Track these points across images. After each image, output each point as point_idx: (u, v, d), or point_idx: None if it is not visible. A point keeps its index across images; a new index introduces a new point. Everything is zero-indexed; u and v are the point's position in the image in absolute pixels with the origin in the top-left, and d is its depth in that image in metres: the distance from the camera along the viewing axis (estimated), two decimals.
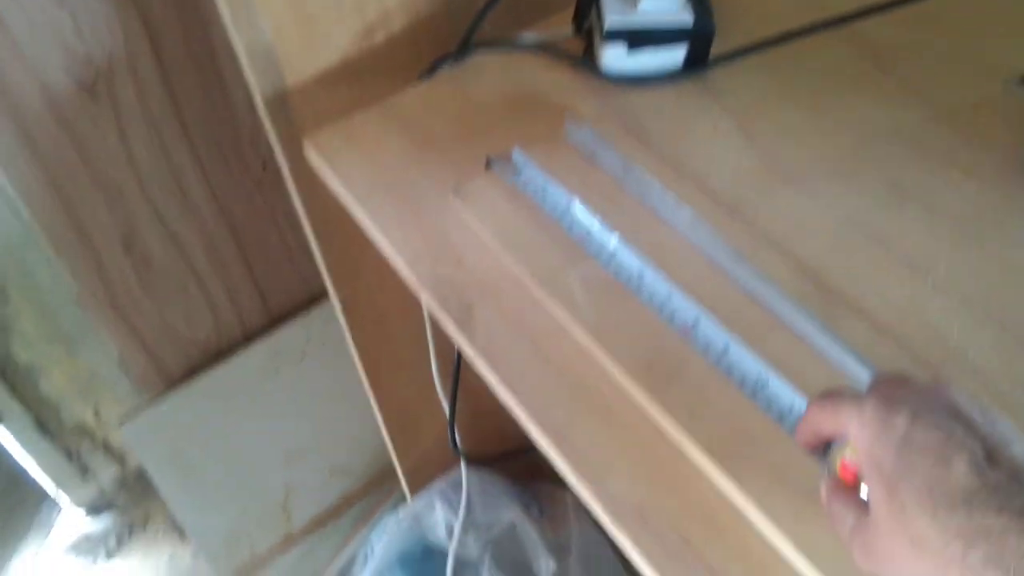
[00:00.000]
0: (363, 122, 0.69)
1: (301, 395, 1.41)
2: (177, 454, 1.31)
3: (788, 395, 0.48)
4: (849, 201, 0.60)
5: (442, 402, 1.04)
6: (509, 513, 1.17)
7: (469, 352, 0.55)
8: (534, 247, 0.58)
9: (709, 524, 0.47)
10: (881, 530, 0.34)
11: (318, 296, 1.36)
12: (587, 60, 0.71)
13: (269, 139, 0.73)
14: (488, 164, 0.63)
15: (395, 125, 0.69)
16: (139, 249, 1.10)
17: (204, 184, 1.10)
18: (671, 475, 0.49)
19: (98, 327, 1.17)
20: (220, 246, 1.19)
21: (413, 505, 1.22)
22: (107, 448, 1.57)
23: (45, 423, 1.44)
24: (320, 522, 1.54)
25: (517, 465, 1.22)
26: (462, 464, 1.14)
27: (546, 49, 0.72)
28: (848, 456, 0.39)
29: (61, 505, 1.67)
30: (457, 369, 0.97)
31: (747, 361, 0.50)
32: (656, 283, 0.54)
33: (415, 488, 1.27)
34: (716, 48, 0.69)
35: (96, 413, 1.48)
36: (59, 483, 1.59)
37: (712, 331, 0.52)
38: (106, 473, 1.62)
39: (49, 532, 1.66)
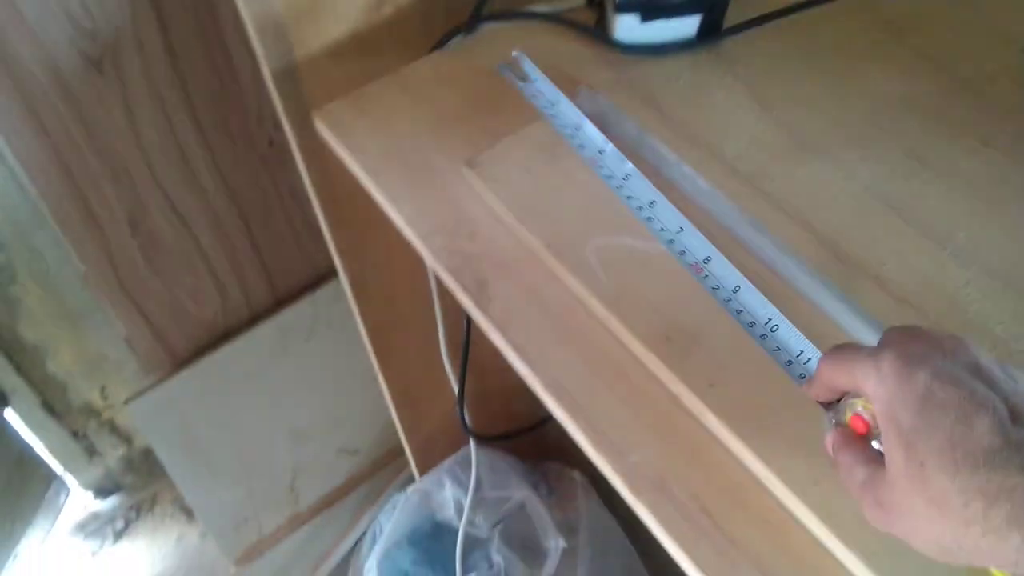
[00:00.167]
0: (373, 94, 0.69)
1: (308, 374, 1.41)
2: (184, 433, 1.31)
3: (797, 340, 0.47)
4: (866, 170, 0.60)
5: (451, 380, 1.03)
6: (518, 491, 1.17)
7: (485, 326, 0.55)
8: (549, 218, 0.57)
9: (729, 494, 0.46)
10: (897, 487, 0.33)
11: (324, 275, 1.36)
12: (599, 30, 0.70)
13: (277, 114, 0.72)
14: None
15: (406, 97, 0.68)
16: (146, 228, 1.10)
17: (210, 162, 1.10)
18: (690, 446, 0.48)
19: (105, 307, 1.17)
20: (226, 225, 1.18)
21: (422, 483, 1.22)
22: (114, 429, 1.57)
23: (52, 403, 1.44)
24: (328, 502, 1.55)
25: (525, 443, 1.22)
26: (471, 442, 1.14)
27: (558, 20, 0.71)
28: (861, 408, 0.38)
29: (69, 487, 1.67)
30: (466, 347, 0.97)
31: (756, 303, 0.49)
32: (667, 215, 0.53)
33: (423, 467, 1.27)
34: (729, 17, 0.68)
35: (103, 393, 1.48)
36: (66, 464, 1.60)
37: (723, 270, 0.51)
38: (113, 454, 1.62)
39: (57, 514, 1.67)
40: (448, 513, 1.19)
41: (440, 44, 0.72)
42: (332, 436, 1.51)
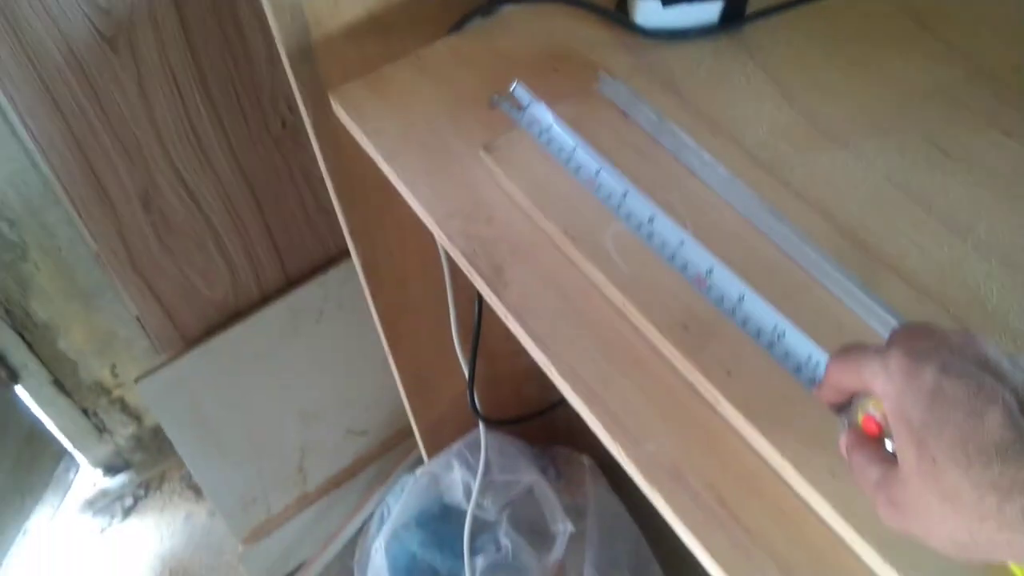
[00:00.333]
0: (390, 76, 0.68)
1: (318, 355, 1.41)
2: (194, 412, 1.32)
3: (805, 346, 0.47)
4: (888, 159, 0.59)
5: (461, 363, 1.03)
6: (527, 475, 1.17)
7: (501, 311, 0.54)
8: (566, 204, 0.57)
9: (744, 484, 0.46)
10: (910, 485, 0.33)
11: (335, 256, 1.36)
12: (620, 14, 0.69)
13: (291, 94, 0.72)
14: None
15: (423, 79, 0.68)
16: (158, 207, 1.10)
17: (223, 141, 1.09)
18: (706, 434, 0.48)
19: (116, 285, 1.17)
20: (238, 204, 1.18)
21: (431, 465, 1.23)
22: (124, 407, 1.57)
23: (62, 381, 1.45)
24: (336, 482, 1.55)
25: (534, 427, 1.22)
26: (480, 426, 1.14)
27: (578, 3, 0.71)
28: (872, 408, 0.38)
29: (78, 464, 1.68)
30: (477, 330, 0.97)
31: (762, 312, 0.49)
32: (667, 230, 0.53)
33: (431, 449, 1.27)
34: (752, 4, 0.68)
35: (113, 371, 1.49)
36: (75, 441, 1.60)
37: (726, 281, 0.51)
38: (122, 432, 1.63)
39: (67, 490, 1.68)
40: (456, 496, 1.19)
41: (458, 26, 0.71)
42: (341, 417, 1.51)
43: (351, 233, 0.86)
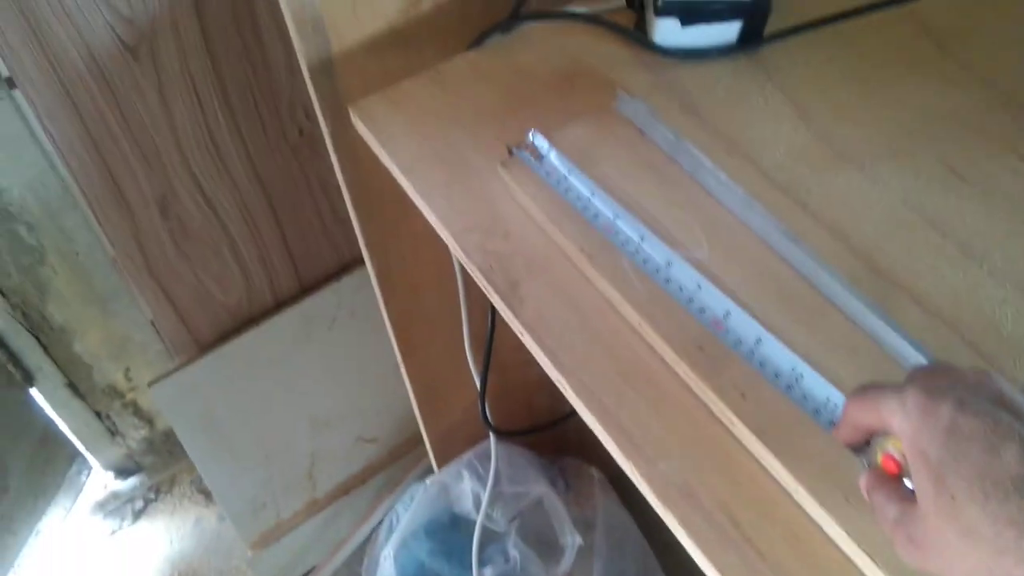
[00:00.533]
0: (410, 90, 0.69)
1: (330, 362, 1.41)
2: (206, 417, 1.32)
3: (824, 389, 0.48)
4: (904, 183, 0.59)
5: (472, 373, 1.04)
6: (536, 487, 1.17)
7: (516, 327, 0.55)
8: (583, 222, 0.57)
9: (758, 506, 0.46)
10: (928, 522, 0.34)
11: (349, 264, 1.37)
12: (638, 33, 0.70)
13: (312, 106, 0.72)
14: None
15: (442, 94, 0.68)
16: (175, 213, 1.11)
17: (241, 149, 1.10)
18: (720, 455, 0.48)
19: (132, 290, 1.18)
20: (255, 212, 1.19)
21: (441, 475, 1.23)
22: (137, 410, 1.58)
23: (76, 383, 1.46)
24: (345, 489, 1.55)
25: (543, 439, 1.22)
26: (491, 436, 1.14)
27: (597, 21, 0.71)
28: (891, 447, 0.38)
29: (90, 466, 1.69)
30: (490, 341, 0.97)
31: (780, 354, 0.49)
32: (684, 275, 0.53)
33: (441, 458, 1.27)
34: (771, 25, 0.68)
35: (127, 375, 1.50)
36: (88, 444, 1.61)
37: (743, 323, 0.51)
38: (135, 435, 1.64)
39: (79, 492, 1.69)
40: (466, 506, 1.19)
41: (478, 42, 0.72)
42: (352, 424, 1.52)
43: (367, 243, 0.86)
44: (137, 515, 1.69)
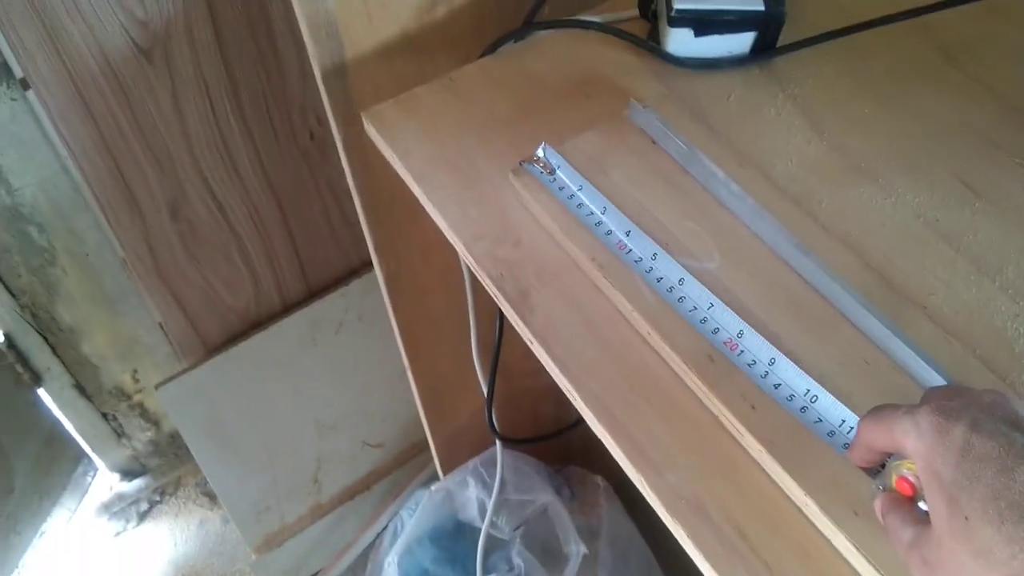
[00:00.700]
0: (422, 97, 0.69)
1: (337, 367, 1.42)
2: (212, 419, 1.33)
3: (838, 411, 0.47)
4: (918, 196, 0.59)
5: (479, 381, 1.03)
6: (541, 495, 1.17)
7: (526, 336, 0.55)
8: (595, 236, 0.57)
9: (767, 519, 0.46)
10: (943, 544, 0.33)
11: (357, 269, 1.37)
12: (651, 42, 0.70)
13: (324, 111, 0.72)
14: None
15: (455, 101, 0.68)
16: (185, 216, 1.11)
17: (252, 152, 1.10)
18: (729, 467, 0.48)
19: (141, 292, 1.18)
20: (264, 215, 1.19)
21: (446, 481, 1.23)
22: (143, 412, 1.59)
23: (84, 384, 1.46)
24: (350, 494, 1.55)
25: (548, 448, 1.22)
26: (497, 444, 1.14)
27: (610, 30, 0.71)
28: (905, 470, 0.38)
29: (96, 467, 1.70)
30: (497, 348, 0.97)
31: (794, 376, 0.49)
32: (696, 293, 0.53)
33: (447, 465, 1.27)
34: (783, 36, 0.68)
35: (134, 377, 1.50)
36: (94, 445, 1.62)
37: (757, 344, 0.51)
38: (141, 437, 1.64)
39: (84, 493, 1.69)
40: (471, 513, 1.19)
41: (491, 49, 0.72)
42: (357, 429, 1.52)
43: (376, 247, 0.86)
44: (142, 517, 1.70)
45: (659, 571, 1.21)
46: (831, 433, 0.47)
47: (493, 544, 1.15)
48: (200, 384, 1.28)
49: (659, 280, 0.54)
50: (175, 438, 1.67)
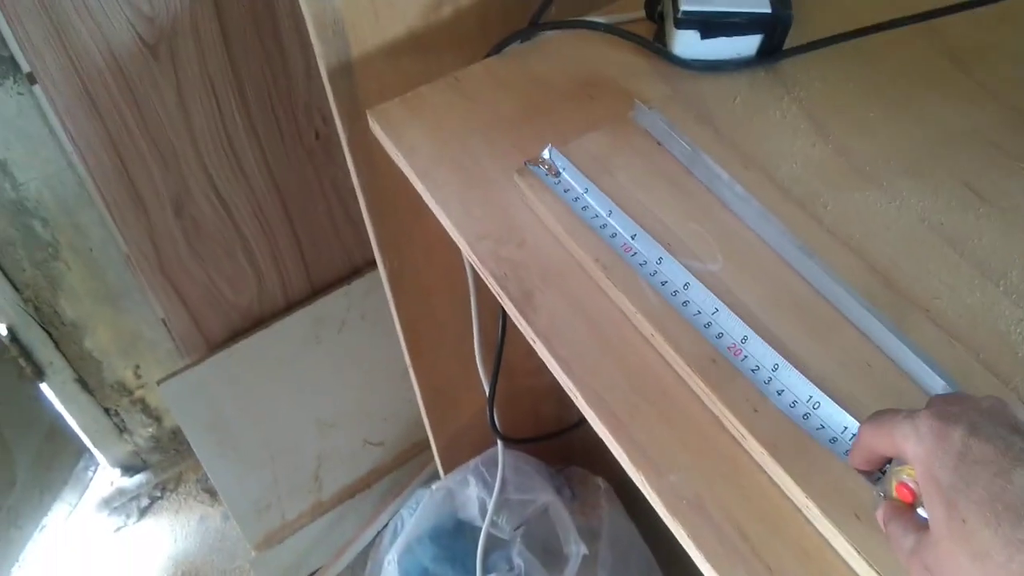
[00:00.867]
0: (428, 96, 0.69)
1: (339, 365, 1.42)
2: (214, 416, 1.33)
3: (841, 418, 0.47)
4: (922, 200, 0.59)
5: (481, 380, 1.04)
6: (542, 495, 1.17)
7: (530, 336, 0.55)
8: (600, 238, 0.57)
9: (767, 521, 0.46)
10: (941, 547, 0.34)
11: (360, 268, 1.37)
12: (657, 44, 0.70)
13: (328, 110, 0.73)
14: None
15: (460, 100, 0.68)
16: (189, 212, 1.11)
17: (257, 150, 1.11)
18: (730, 468, 0.48)
19: (144, 288, 1.18)
20: (268, 213, 1.19)
21: (447, 480, 1.23)
22: (144, 407, 1.59)
23: (86, 379, 1.47)
24: (350, 492, 1.56)
25: (549, 448, 1.22)
26: (498, 443, 1.14)
27: (616, 31, 0.71)
28: (905, 476, 0.38)
29: (97, 462, 1.70)
30: (500, 348, 0.97)
31: (797, 382, 0.49)
32: (701, 297, 0.53)
33: (448, 464, 1.27)
34: (790, 39, 0.68)
35: (136, 372, 1.50)
36: (95, 440, 1.62)
37: (761, 349, 0.51)
38: (142, 432, 1.64)
39: (85, 488, 1.69)
40: (471, 512, 1.19)
41: (497, 49, 0.72)
42: (359, 427, 1.52)
43: (380, 246, 0.87)
44: (142, 513, 1.70)
45: (659, 573, 1.21)
46: (833, 440, 0.47)
47: (493, 543, 1.15)
48: (202, 381, 1.28)
49: (663, 283, 0.54)
50: (176, 434, 1.67)
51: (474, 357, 1.01)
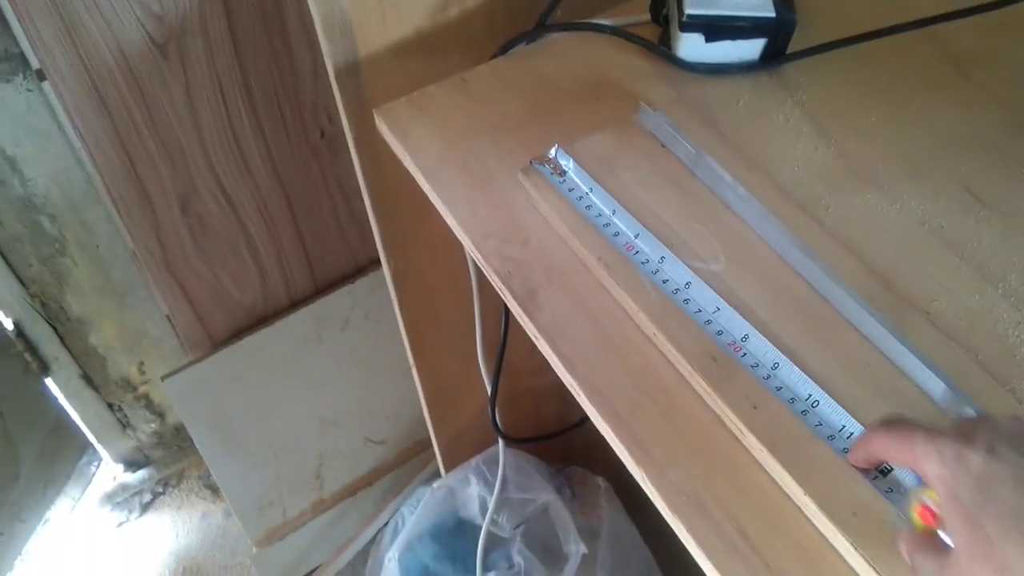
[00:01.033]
0: (434, 96, 0.69)
1: (341, 363, 1.42)
2: (217, 413, 1.33)
3: (839, 416, 0.48)
4: (922, 203, 0.60)
5: (484, 380, 1.04)
6: (543, 494, 1.18)
7: (533, 333, 0.55)
8: (603, 237, 0.58)
9: (766, 517, 0.47)
10: (964, 566, 0.34)
11: (364, 267, 1.38)
12: (662, 47, 0.70)
13: (335, 109, 0.73)
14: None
15: (466, 101, 0.69)
16: (195, 210, 1.12)
17: (263, 149, 1.11)
18: (730, 466, 0.49)
19: (149, 284, 1.19)
20: (273, 211, 1.20)
21: (448, 478, 1.23)
22: (148, 404, 1.60)
23: (91, 375, 1.47)
24: (352, 490, 1.56)
25: (550, 448, 1.22)
26: (499, 442, 1.15)
27: (621, 34, 0.72)
28: (926, 498, 0.39)
29: (101, 457, 1.71)
30: (502, 347, 0.98)
31: (797, 380, 0.50)
32: (703, 296, 0.54)
33: (449, 463, 1.28)
34: (793, 43, 0.69)
35: (140, 369, 1.51)
36: (99, 435, 1.63)
37: (761, 347, 0.51)
38: (145, 428, 1.65)
39: (88, 483, 1.70)
40: (472, 511, 1.20)
41: (503, 51, 0.72)
42: (361, 425, 1.52)
43: (384, 245, 0.87)
44: (144, 508, 1.71)
45: (658, 572, 1.21)
46: (831, 437, 0.48)
47: (493, 542, 1.16)
48: (205, 377, 1.29)
49: (665, 282, 0.55)
50: (179, 430, 1.68)
51: (476, 357, 1.01)
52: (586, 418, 0.53)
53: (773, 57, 0.69)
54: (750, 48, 0.68)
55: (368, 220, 0.84)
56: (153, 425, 1.65)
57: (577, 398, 0.53)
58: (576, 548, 1.13)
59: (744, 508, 0.47)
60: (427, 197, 0.65)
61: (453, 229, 0.62)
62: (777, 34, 0.67)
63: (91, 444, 1.66)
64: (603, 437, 0.52)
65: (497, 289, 0.58)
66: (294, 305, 1.34)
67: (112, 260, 1.28)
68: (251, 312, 1.30)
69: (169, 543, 1.65)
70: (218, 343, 1.30)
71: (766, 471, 0.48)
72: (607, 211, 0.59)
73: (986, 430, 0.35)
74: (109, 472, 1.71)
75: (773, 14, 0.65)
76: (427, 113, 0.68)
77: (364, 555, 1.51)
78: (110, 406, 1.56)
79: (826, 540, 0.45)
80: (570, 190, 0.60)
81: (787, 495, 0.47)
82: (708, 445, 0.50)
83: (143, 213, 1.08)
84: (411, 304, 0.97)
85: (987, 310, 0.54)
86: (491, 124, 0.67)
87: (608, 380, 0.52)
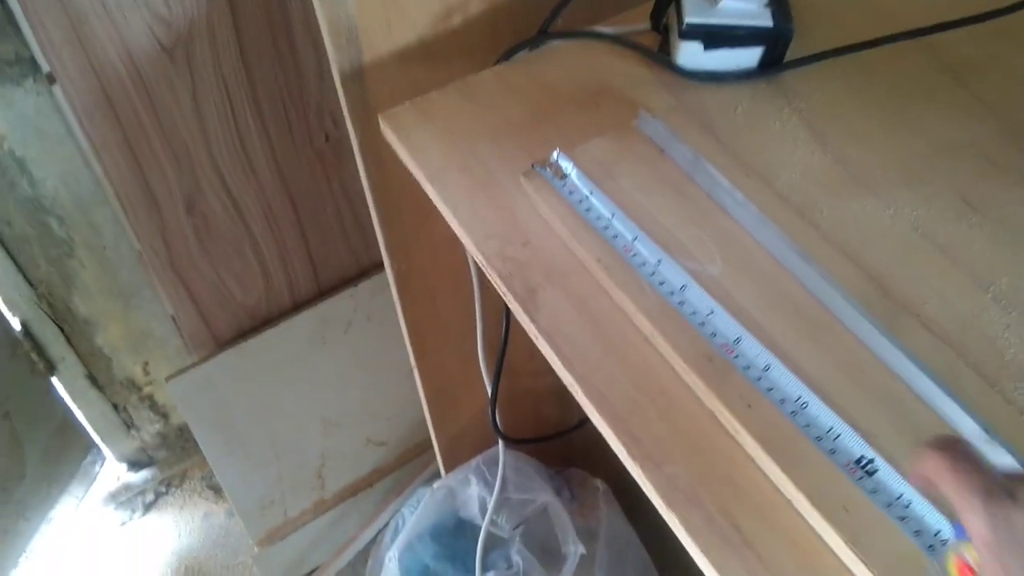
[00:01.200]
0: (438, 101, 0.71)
1: (344, 365, 1.44)
2: (220, 413, 1.35)
3: (828, 418, 0.49)
4: (916, 210, 0.61)
5: (484, 381, 1.05)
6: (542, 495, 1.19)
7: (533, 333, 0.56)
8: (602, 239, 0.59)
9: (760, 513, 0.48)
10: None
11: (367, 269, 1.39)
12: (662, 55, 0.72)
13: (339, 113, 0.75)
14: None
15: (469, 105, 0.70)
16: (200, 212, 1.13)
17: (268, 151, 1.13)
18: (725, 463, 0.50)
19: (155, 285, 1.20)
20: (278, 213, 1.21)
21: (448, 479, 1.24)
22: (152, 404, 1.61)
23: (96, 375, 1.49)
24: (353, 490, 1.57)
25: (549, 449, 1.23)
26: (499, 443, 1.16)
27: (622, 41, 0.73)
28: (965, 553, 0.37)
29: (105, 457, 1.72)
30: (503, 349, 0.99)
31: (788, 382, 0.51)
32: (698, 299, 0.55)
33: (449, 463, 1.29)
34: (791, 51, 0.70)
35: (145, 369, 1.52)
36: (103, 435, 1.64)
37: (753, 350, 0.52)
38: (149, 428, 1.66)
39: (92, 482, 1.71)
40: (472, 511, 1.21)
41: (506, 57, 0.74)
42: (362, 426, 1.53)
43: (388, 248, 0.88)
44: (147, 507, 1.72)
45: (655, 573, 1.22)
46: (818, 438, 0.49)
47: (493, 542, 1.17)
48: (209, 378, 1.30)
49: (662, 284, 0.56)
50: (183, 431, 1.69)
51: (477, 358, 1.02)
52: (585, 420, 0.54)
53: (771, 65, 0.70)
54: (748, 56, 0.69)
55: (371, 223, 0.85)
56: (157, 425, 1.66)
57: (576, 397, 0.54)
58: (574, 549, 1.14)
59: (738, 503, 0.48)
60: (430, 199, 0.66)
61: (455, 230, 0.64)
62: (775, 43, 0.68)
63: (96, 444, 1.68)
64: (602, 439, 0.53)
65: (498, 289, 0.60)
66: (297, 307, 1.35)
67: (119, 262, 1.29)
68: (255, 313, 1.32)
69: (172, 542, 1.66)
70: (222, 344, 1.31)
71: (760, 468, 0.49)
72: (606, 214, 0.60)
73: None
74: (113, 472, 1.73)
75: (771, 24, 0.67)
76: (430, 117, 0.70)
77: (365, 555, 1.52)
78: (115, 406, 1.57)
79: (818, 535, 0.46)
80: (570, 193, 0.62)
81: (780, 491, 0.48)
82: (705, 443, 0.51)
83: (149, 213, 1.09)
84: (413, 306, 0.98)
85: (977, 313, 0.55)
86: (493, 128, 0.68)
87: (607, 379, 0.53)
